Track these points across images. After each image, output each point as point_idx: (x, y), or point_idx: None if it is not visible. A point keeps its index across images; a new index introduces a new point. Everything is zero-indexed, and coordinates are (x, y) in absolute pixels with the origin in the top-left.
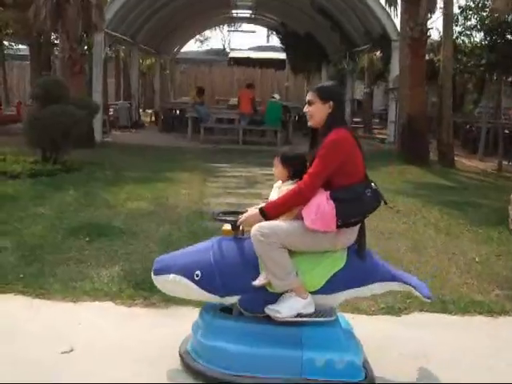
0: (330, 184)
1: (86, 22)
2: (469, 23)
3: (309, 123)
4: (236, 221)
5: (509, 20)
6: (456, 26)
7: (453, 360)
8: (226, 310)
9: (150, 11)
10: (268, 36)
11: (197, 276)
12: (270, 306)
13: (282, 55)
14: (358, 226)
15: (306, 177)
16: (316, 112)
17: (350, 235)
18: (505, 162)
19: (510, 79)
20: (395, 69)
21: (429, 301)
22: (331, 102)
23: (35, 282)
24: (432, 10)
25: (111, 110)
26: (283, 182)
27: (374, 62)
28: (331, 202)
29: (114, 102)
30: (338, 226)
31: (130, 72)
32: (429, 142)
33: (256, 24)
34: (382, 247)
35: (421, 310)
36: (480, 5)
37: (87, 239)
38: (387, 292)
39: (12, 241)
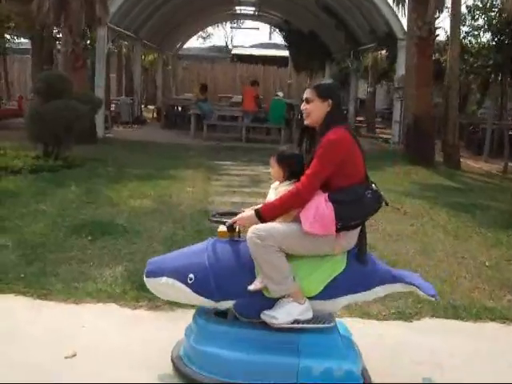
0: (328, 185)
1: (90, 16)
2: (476, 23)
3: (305, 122)
4: (232, 223)
5: None
6: (463, 26)
7: (465, 367)
8: (221, 314)
9: (153, 7)
10: (270, 33)
11: (190, 279)
12: (266, 312)
13: (285, 52)
14: (358, 229)
15: (303, 178)
16: (314, 110)
17: (350, 238)
18: (510, 164)
19: None
20: (401, 68)
21: (434, 299)
22: (330, 101)
23: (36, 282)
24: (440, 9)
25: (113, 105)
26: (280, 182)
27: (378, 61)
28: (330, 204)
29: (115, 97)
30: (338, 230)
31: (133, 67)
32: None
33: (259, 21)
34: (390, 250)
35: (432, 316)
36: (488, 5)
37: (90, 238)
38: (398, 297)
39: (13, 238)
